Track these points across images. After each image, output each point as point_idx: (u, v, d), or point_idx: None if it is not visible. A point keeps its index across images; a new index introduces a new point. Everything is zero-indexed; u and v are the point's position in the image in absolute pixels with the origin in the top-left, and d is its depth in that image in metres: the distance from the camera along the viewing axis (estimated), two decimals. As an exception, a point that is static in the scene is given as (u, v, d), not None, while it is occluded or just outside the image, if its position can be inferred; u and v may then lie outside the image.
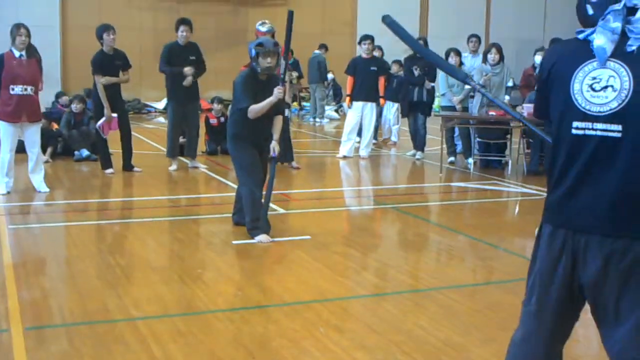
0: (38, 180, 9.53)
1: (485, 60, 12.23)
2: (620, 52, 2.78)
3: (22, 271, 6.12)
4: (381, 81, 13.13)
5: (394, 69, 15.27)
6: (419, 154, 13.22)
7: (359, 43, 13.33)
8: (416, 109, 13.12)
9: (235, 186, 8.02)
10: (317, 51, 20.52)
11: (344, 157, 13.03)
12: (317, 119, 20.03)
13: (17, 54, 9.25)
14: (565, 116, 2.88)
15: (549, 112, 3.02)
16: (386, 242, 7.89)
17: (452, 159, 12.67)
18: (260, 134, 7.26)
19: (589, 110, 2.80)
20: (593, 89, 2.81)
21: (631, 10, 2.79)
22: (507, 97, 11.92)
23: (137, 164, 11.15)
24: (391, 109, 15.42)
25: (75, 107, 12.57)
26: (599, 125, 2.78)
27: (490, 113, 11.45)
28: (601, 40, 2.80)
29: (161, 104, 21.19)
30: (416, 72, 12.97)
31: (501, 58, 11.98)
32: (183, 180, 10.80)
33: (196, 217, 8.50)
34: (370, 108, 13.01)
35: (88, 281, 5.91)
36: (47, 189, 9.49)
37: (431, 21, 25.94)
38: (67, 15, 22.11)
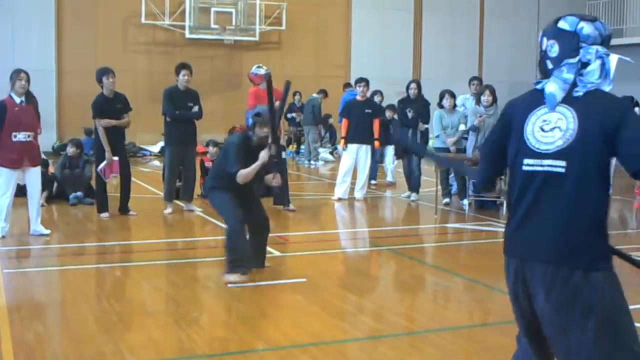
0: (39, 223, 9.56)
1: (478, 102, 12.32)
2: (568, 97, 3.14)
3: (17, 315, 6.09)
4: (376, 123, 13.14)
5: (388, 114, 15.30)
6: (413, 196, 13.24)
7: (354, 85, 13.41)
8: (410, 151, 13.17)
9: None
10: (314, 95, 20.69)
11: (339, 199, 13.04)
12: (312, 162, 20.10)
13: (17, 99, 9.27)
14: (518, 155, 3.19)
15: (497, 156, 3.40)
16: (382, 284, 7.88)
17: (447, 200, 12.69)
18: (242, 192, 7.34)
19: (538, 149, 3.12)
20: (543, 130, 3.13)
21: (585, 64, 3.17)
22: None
23: (132, 207, 11.14)
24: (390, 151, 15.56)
25: (70, 150, 12.58)
26: (546, 162, 3.09)
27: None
28: (553, 87, 3.16)
29: (156, 147, 21.22)
30: (410, 114, 13.05)
31: (494, 100, 12.06)
32: (178, 223, 10.79)
33: (192, 261, 8.48)
34: (365, 150, 13.02)
35: (83, 326, 5.88)
36: (48, 231, 9.50)
37: (424, 64, 26.13)
38: (63, 60, 22.24)
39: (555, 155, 3.07)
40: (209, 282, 7.40)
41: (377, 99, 14.64)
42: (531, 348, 3.30)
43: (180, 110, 11.12)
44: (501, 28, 27.06)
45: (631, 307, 3.12)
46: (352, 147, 12.98)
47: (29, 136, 9.31)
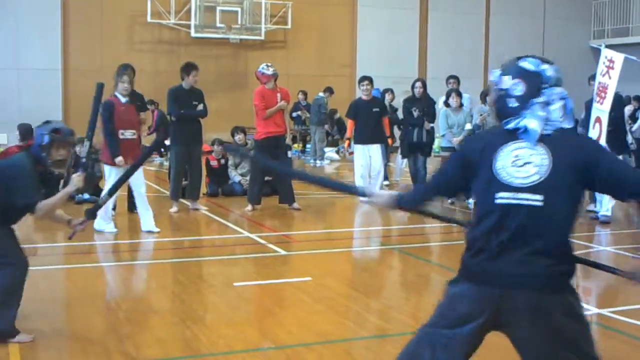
0: (147, 220, 9.69)
1: (484, 100, 12.30)
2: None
3: (22, 314, 6.09)
4: (385, 121, 13.04)
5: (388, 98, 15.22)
6: (419, 195, 13.18)
7: (358, 84, 13.35)
8: (416, 150, 13.13)
9: (236, 227, 7.98)
10: (321, 94, 20.69)
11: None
12: (317, 161, 20.07)
13: (122, 99, 9.60)
14: (490, 189, 3.27)
15: (457, 189, 3.70)
16: (388, 283, 7.87)
17: (452, 199, 12.65)
18: None
19: (512, 183, 3.23)
20: (515, 165, 3.25)
21: (546, 103, 3.34)
22: None
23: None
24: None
25: (79, 150, 12.49)
26: (522, 195, 3.20)
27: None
28: (534, 124, 3.28)
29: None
30: (415, 114, 13.01)
31: None
32: (184, 222, 10.80)
33: (197, 259, 8.48)
34: (376, 150, 12.84)
35: (89, 324, 5.89)
36: (157, 229, 9.63)
37: (430, 63, 26.07)
38: (69, 59, 22.24)
39: (531, 189, 3.20)
40: (215, 281, 7.40)
41: (388, 97, 14.51)
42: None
43: (185, 109, 11.13)
44: (507, 27, 26.99)
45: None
46: (363, 148, 12.83)
47: (133, 134, 9.58)
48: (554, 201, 3.19)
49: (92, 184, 12.14)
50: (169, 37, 23.43)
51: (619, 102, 10.94)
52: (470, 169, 3.39)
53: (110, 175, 9.55)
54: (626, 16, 26.64)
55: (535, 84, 3.34)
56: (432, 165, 13.85)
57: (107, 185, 9.38)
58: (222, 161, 13.27)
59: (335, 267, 8.21)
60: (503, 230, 3.21)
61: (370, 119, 12.76)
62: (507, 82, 3.40)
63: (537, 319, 3.18)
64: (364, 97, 13.00)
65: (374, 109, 12.83)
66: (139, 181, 9.70)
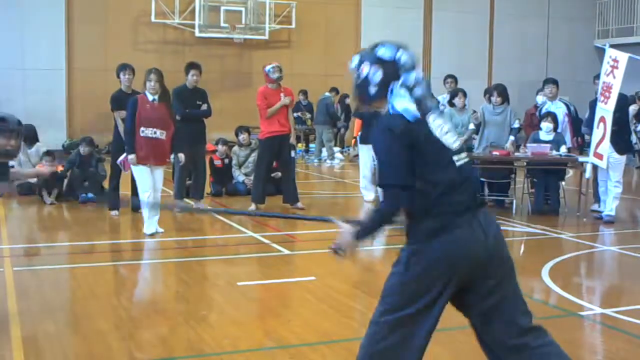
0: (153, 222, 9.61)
1: (489, 100, 12.29)
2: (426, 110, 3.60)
3: (27, 313, 6.10)
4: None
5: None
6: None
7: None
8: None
9: (240, 227, 7.97)
10: (327, 93, 20.68)
11: (375, 201, 12.78)
12: (328, 161, 20.06)
13: (150, 97, 9.57)
14: (444, 156, 3.57)
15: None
16: (391, 282, 7.86)
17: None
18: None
19: (452, 147, 3.60)
20: (444, 133, 3.60)
21: (408, 87, 3.58)
22: (512, 138, 11.96)
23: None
24: None
25: (83, 149, 12.53)
26: (459, 156, 3.63)
27: (494, 153, 11.48)
28: (401, 104, 3.53)
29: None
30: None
31: (504, 99, 12.01)
32: (188, 221, 10.80)
33: (201, 259, 8.49)
34: None
35: (92, 324, 5.89)
36: (161, 230, 9.58)
37: (434, 62, 26.04)
38: (73, 59, 22.25)
39: (460, 150, 3.65)
40: (219, 280, 7.40)
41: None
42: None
43: (189, 109, 11.14)
44: (511, 26, 26.96)
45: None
46: (368, 148, 12.75)
47: (155, 132, 9.49)
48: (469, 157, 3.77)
49: (97, 182, 12.17)
50: (174, 36, 23.45)
51: (623, 102, 10.93)
52: (414, 148, 3.51)
53: (139, 174, 9.51)
54: (631, 16, 26.61)
55: (393, 70, 3.58)
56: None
57: (141, 185, 9.48)
58: (226, 161, 13.27)
59: (339, 266, 8.18)
60: (464, 186, 3.57)
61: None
62: (366, 69, 3.62)
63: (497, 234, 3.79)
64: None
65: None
66: (158, 184, 9.72)
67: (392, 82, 3.57)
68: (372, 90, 3.62)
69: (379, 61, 3.61)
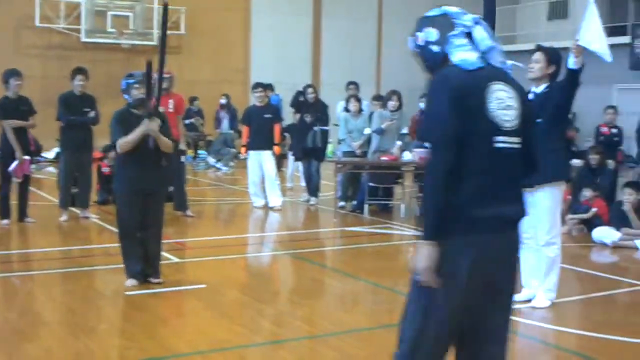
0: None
1: (385, 106, 12.54)
2: (500, 75, 3.33)
3: None
4: (276, 128, 12.98)
5: None
6: (312, 200, 13.30)
7: (252, 91, 13.33)
8: (310, 155, 13.23)
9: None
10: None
11: (264, 207, 12.82)
12: (223, 167, 20.05)
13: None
14: (487, 133, 3.20)
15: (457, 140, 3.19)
16: (282, 288, 7.89)
17: (342, 203, 12.77)
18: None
19: (504, 127, 3.23)
20: (501, 109, 3.24)
21: (467, 35, 3.34)
22: (399, 143, 12.20)
23: (28, 214, 10.88)
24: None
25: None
26: (511, 139, 3.26)
27: (382, 158, 11.67)
28: (462, 55, 3.29)
29: (51, 153, 20.72)
30: (308, 119, 13.13)
31: (400, 105, 12.37)
32: (74, 230, 10.56)
33: (88, 269, 8.30)
34: (267, 156, 12.80)
35: (-26, 338, 5.70)
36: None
37: (323, 69, 26.31)
38: (-48, 64, 21.48)
39: (515, 133, 3.27)
40: (107, 291, 7.27)
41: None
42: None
43: (76, 115, 10.91)
44: (399, 32, 27.38)
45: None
46: (255, 153, 12.81)
47: None
48: (524, 145, 3.35)
49: None
50: (59, 41, 22.92)
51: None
52: (463, 112, 3.19)
53: None
54: (512, 25, 27.48)
55: (446, 23, 3.35)
56: (325, 170, 13.96)
57: None
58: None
59: (230, 273, 8.19)
60: (499, 174, 3.23)
61: (262, 126, 12.73)
62: (422, 36, 3.41)
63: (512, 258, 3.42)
64: (258, 104, 13.00)
65: (266, 115, 12.81)
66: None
67: (449, 33, 3.33)
68: (435, 49, 3.38)
69: (430, 21, 3.39)
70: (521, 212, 3.34)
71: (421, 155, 11.38)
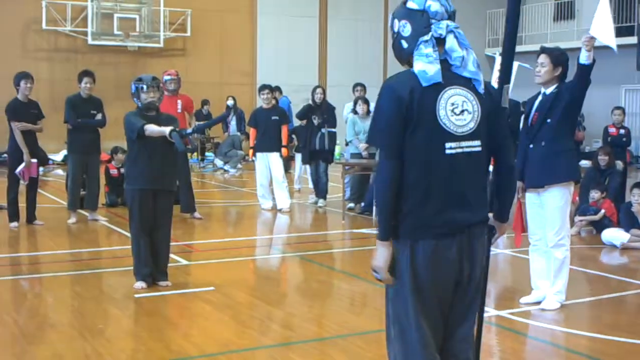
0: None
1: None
2: (458, 78, 3.33)
3: None
4: (284, 130, 12.97)
5: None
6: (321, 202, 13.29)
7: (259, 93, 13.34)
8: (318, 157, 13.21)
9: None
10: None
11: (272, 209, 12.82)
12: (231, 170, 20.04)
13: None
14: (434, 140, 3.26)
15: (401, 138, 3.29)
16: (291, 290, 7.88)
17: (351, 205, 12.77)
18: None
19: (456, 132, 3.28)
20: (455, 114, 3.28)
21: (439, 40, 3.34)
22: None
23: (36, 217, 10.89)
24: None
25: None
26: (465, 143, 3.30)
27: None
28: (420, 66, 3.28)
29: (59, 156, 20.78)
30: (316, 121, 13.11)
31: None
32: (83, 233, 10.57)
33: (97, 271, 8.31)
34: (275, 158, 12.82)
35: (-17, 341, 5.70)
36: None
37: (330, 70, 26.31)
38: (-41, 66, 21.53)
39: (471, 136, 3.31)
40: (115, 293, 7.26)
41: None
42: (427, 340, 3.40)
43: (83, 118, 10.93)
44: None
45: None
46: (262, 155, 12.80)
47: None
48: (486, 145, 3.39)
49: None
50: (66, 44, 22.99)
51: (515, 109, 11.23)
52: (407, 119, 3.27)
53: None
54: (519, 25, 27.37)
55: (422, 22, 3.34)
56: (334, 172, 13.95)
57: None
58: (122, 170, 13.03)
59: (238, 275, 8.18)
60: (454, 180, 3.28)
61: (270, 128, 12.72)
62: (397, 24, 3.42)
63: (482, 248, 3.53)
64: (265, 106, 13.00)
65: (273, 117, 12.79)
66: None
67: (421, 36, 3.32)
68: (404, 45, 3.39)
69: (408, 14, 3.37)
70: (474, 217, 3.36)
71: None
